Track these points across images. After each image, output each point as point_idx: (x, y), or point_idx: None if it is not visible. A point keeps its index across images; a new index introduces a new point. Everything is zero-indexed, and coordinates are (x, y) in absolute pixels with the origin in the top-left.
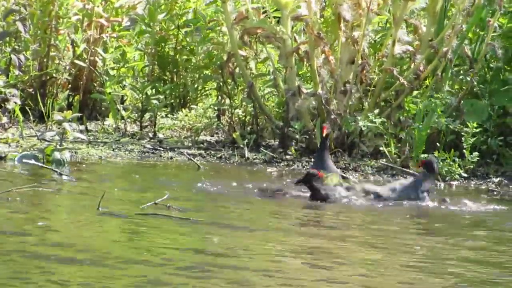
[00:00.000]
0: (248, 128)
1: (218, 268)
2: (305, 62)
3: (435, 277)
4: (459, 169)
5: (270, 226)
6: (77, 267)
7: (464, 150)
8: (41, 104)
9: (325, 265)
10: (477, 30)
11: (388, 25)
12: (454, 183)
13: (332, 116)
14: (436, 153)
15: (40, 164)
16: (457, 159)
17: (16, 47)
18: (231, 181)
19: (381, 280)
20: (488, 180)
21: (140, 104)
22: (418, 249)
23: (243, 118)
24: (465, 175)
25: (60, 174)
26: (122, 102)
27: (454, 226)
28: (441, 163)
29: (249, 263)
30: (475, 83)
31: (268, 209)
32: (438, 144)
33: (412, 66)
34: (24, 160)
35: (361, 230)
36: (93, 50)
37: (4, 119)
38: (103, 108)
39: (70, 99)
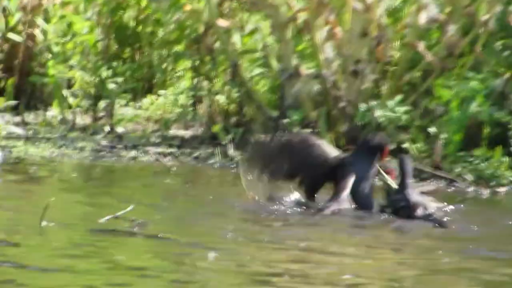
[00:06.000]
0: (233, 120)
1: None
2: (304, 35)
3: None
4: (509, 171)
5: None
6: None
7: None
8: None
9: None
10: None
11: None
12: (502, 189)
13: (341, 104)
14: (476, 151)
15: None
16: (505, 159)
17: None
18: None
19: None
20: None
21: (92, 90)
22: None
23: (226, 106)
24: None
25: None
26: (70, 86)
27: None
28: (483, 164)
29: None
30: None
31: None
32: (479, 139)
33: (443, 39)
34: None
35: None
36: (31, 20)
37: None
38: (45, 95)
39: (2, 83)
